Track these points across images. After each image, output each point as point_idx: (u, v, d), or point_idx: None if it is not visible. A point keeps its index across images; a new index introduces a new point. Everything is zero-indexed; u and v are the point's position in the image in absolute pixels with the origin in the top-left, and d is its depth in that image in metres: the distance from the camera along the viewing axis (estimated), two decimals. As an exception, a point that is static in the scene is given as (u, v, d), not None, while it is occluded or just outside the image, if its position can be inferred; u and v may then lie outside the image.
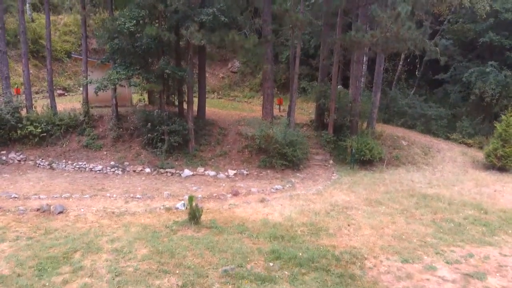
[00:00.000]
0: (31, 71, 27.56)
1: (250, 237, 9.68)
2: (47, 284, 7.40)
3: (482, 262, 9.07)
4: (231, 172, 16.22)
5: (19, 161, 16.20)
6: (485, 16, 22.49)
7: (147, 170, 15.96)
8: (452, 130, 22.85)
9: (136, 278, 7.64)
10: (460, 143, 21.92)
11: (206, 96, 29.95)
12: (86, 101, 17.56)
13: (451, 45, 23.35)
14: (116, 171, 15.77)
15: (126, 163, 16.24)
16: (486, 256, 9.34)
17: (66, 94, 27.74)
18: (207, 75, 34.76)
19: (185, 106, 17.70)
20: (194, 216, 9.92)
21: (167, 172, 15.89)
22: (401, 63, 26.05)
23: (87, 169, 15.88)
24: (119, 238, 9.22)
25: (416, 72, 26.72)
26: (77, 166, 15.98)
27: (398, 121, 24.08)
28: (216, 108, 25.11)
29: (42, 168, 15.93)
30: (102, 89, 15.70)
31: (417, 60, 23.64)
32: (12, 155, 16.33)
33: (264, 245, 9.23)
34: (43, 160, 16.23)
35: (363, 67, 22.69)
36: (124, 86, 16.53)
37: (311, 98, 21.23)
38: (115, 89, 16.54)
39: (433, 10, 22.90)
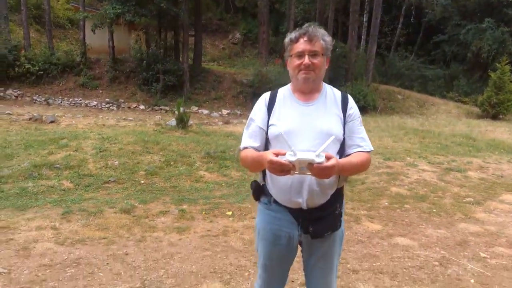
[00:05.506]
0: (33, 35, 27.65)
1: (236, 139, 9.82)
2: (32, 153, 7.60)
3: (464, 164, 9.16)
4: (225, 112, 16.35)
5: (16, 97, 16.39)
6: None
7: (142, 107, 16.13)
8: (449, 89, 22.80)
9: (120, 154, 7.83)
10: (456, 101, 21.87)
11: (206, 63, 30.12)
12: (83, 42, 17.67)
13: (449, 5, 23.25)
14: (111, 106, 15.95)
15: (121, 100, 16.41)
16: (469, 161, 9.42)
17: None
18: (207, 45, 34.93)
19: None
20: (181, 120, 10.06)
21: (161, 109, 16.06)
22: (399, 26, 25.96)
23: (82, 104, 16.08)
24: (107, 133, 9.38)
25: (417, 39, 26.59)
26: (73, 102, 16.17)
27: (395, 82, 24.00)
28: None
29: (39, 104, 16.13)
30: (99, 27, 15.81)
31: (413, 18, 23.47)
32: (9, 91, 16.52)
33: (249, 143, 9.37)
34: (40, 96, 16.43)
35: (363, 19, 22.69)
36: (121, 25, 16.58)
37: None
38: (111, 27, 16.48)
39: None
